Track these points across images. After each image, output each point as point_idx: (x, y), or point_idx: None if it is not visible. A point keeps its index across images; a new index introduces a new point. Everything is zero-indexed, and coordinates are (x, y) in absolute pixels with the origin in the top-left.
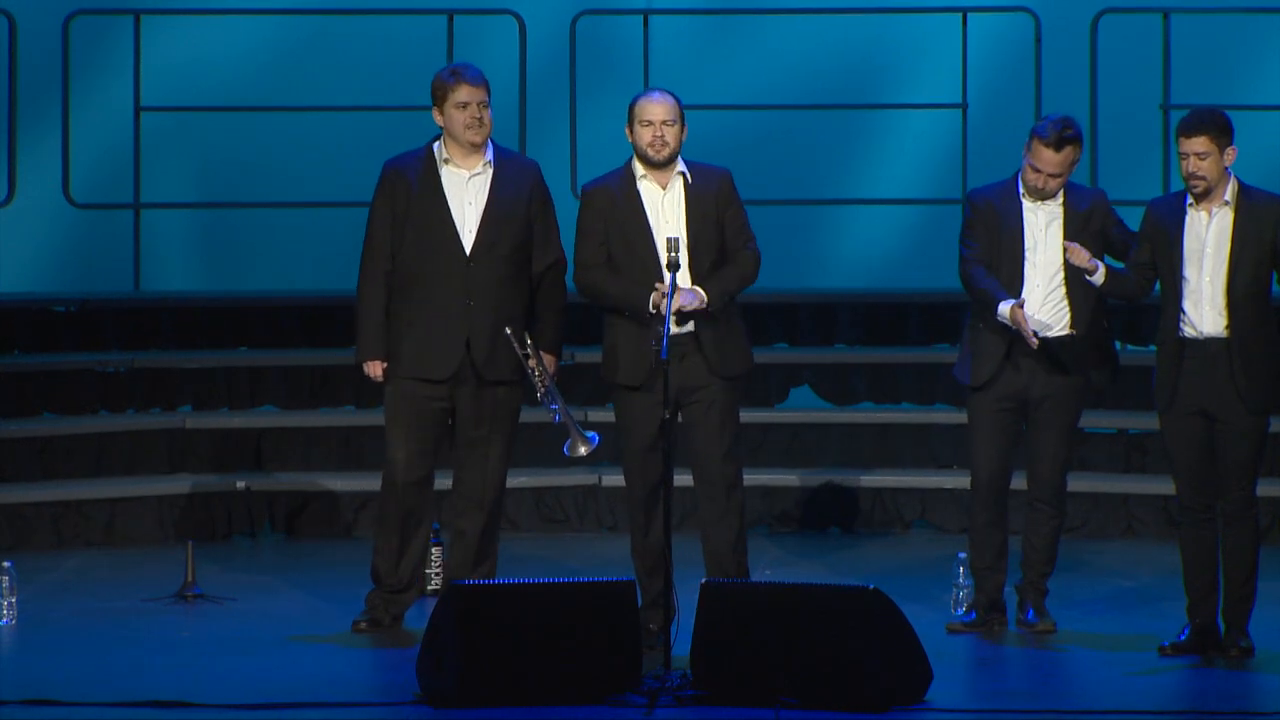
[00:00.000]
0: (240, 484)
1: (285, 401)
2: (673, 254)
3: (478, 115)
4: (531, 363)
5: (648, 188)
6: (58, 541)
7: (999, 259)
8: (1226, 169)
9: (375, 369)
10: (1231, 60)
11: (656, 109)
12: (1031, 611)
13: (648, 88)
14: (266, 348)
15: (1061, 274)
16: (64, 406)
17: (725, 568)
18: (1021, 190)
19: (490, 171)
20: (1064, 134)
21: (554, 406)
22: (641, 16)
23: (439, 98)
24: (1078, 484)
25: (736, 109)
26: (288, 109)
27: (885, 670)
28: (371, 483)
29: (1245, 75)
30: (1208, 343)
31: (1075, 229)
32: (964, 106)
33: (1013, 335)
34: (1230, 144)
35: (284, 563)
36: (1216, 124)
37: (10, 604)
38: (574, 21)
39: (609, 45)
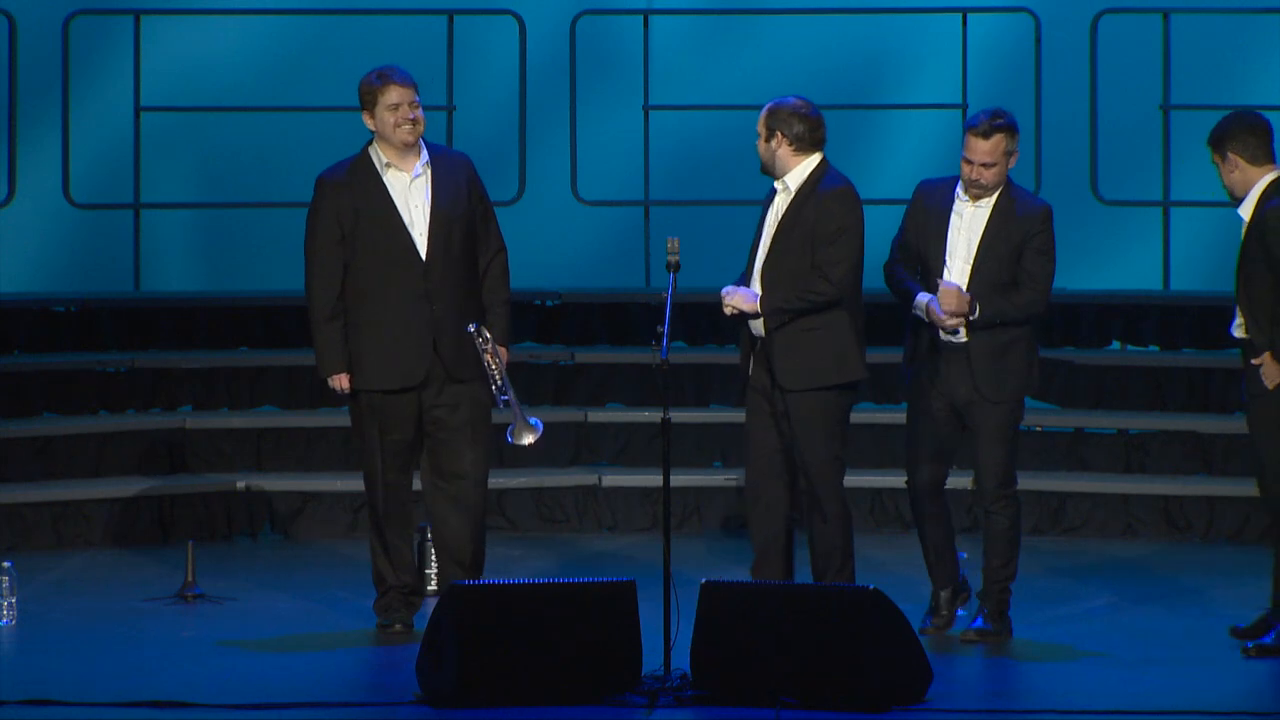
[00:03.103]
0: (240, 484)
1: (285, 401)
2: (672, 256)
3: (410, 115)
4: (488, 357)
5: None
6: (58, 541)
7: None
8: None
9: (342, 381)
10: (1231, 60)
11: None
12: (980, 619)
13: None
14: (266, 348)
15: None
16: (64, 406)
17: (819, 573)
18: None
19: (429, 172)
20: (994, 122)
21: (504, 398)
22: (641, 16)
23: (367, 101)
24: (1078, 484)
25: (736, 109)
26: (288, 109)
27: (885, 670)
28: None
29: (1245, 75)
30: None
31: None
32: (964, 107)
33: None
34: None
35: (284, 563)
36: None
37: (10, 604)
38: (574, 21)
39: (609, 45)
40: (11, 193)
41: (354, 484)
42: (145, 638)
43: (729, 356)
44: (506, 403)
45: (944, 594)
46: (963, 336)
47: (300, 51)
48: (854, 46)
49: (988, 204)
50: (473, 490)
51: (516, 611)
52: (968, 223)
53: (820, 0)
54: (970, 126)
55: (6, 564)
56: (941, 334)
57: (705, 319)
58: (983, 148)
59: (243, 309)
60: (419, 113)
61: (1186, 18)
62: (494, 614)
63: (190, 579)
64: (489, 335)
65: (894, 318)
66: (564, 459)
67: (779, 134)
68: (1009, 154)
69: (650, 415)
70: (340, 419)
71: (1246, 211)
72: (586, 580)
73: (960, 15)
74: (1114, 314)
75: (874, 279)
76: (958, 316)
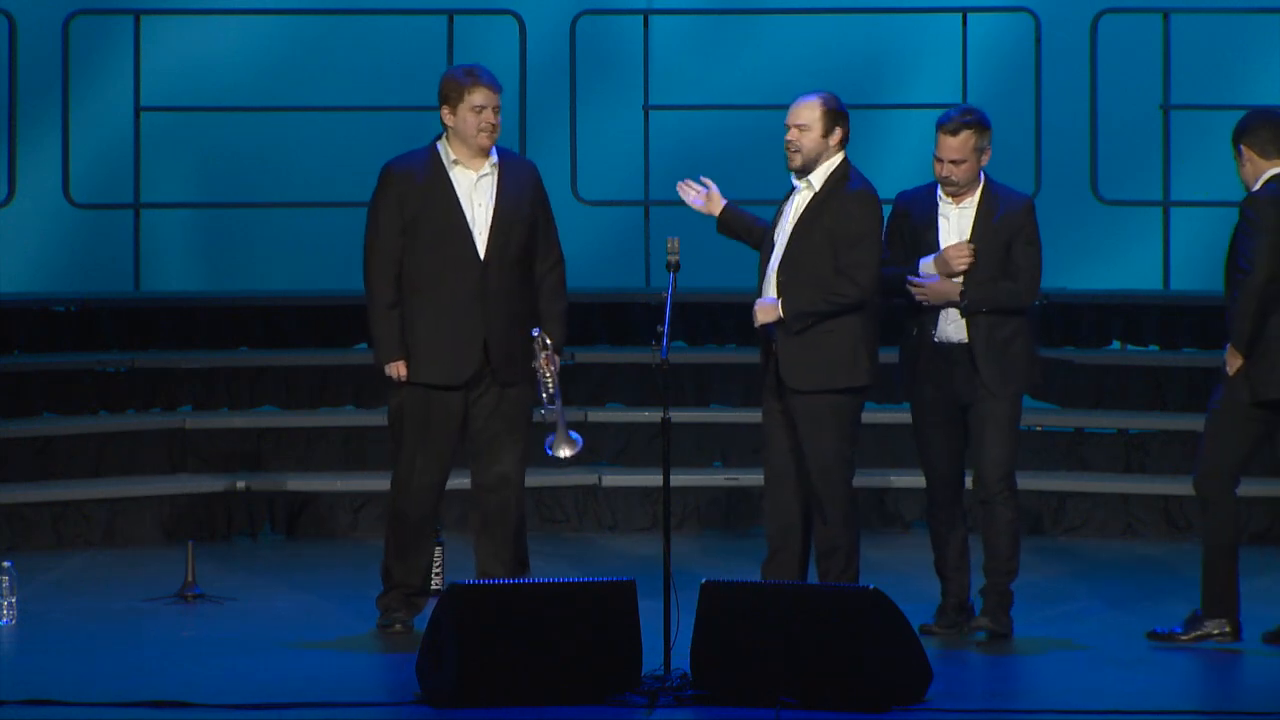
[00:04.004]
0: (240, 484)
1: (285, 401)
2: (672, 256)
3: (492, 120)
4: (544, 364)
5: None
6: (58, 541)
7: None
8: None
9: (400, 369)
10: (1231, 60)
11: (795, 111)
12: (983, 614)
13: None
14: (266, 348)
15: None
16: (64, 406)
17: (823, 573)
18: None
19: (496, 173)
20: (962, 119)
21: (552, 407)
22: (641, 16)
23: (453, 97)
24: (1078, 484)
25: (736, 109)
26: (288, 109)
27: (885, 670)
28: (371, 483)
29: (1245, 75)
30: None
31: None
32: None
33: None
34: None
35: (284, 563)
36: None
37: (10, 604)
38: (574, 21)
39: (609, 45)
40: (11, 193)
41: (354, 484)
42: (145, 638)
43: (729, 356)
44: (553, 412)
45: (952, 603)
46: (963, 336)
47: (300, 51)
48: (854, 46)
49: (971, 203)
50: (512, 491)
51: (516, 611)
52: (955, 224)
53: (820, 0)
54: (939, 124)
55: (6, 564)
56: (936, 336)
57: (705, 319)
58: (951, 144)
59: (243, 309)
60: (498, 119)
61: (1186, 18)
62: (494, 614)
63: (190, 579)
64: (550, 343)
65: (893, 318)
66: (564, 459)
67: (839, 130)
68: (979, 151)
69: (650, 415)
70: (340, 419)
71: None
72: (586, 580)
73: (960, 15)
74: (1114, 314)
75: None
76: (943, 284)
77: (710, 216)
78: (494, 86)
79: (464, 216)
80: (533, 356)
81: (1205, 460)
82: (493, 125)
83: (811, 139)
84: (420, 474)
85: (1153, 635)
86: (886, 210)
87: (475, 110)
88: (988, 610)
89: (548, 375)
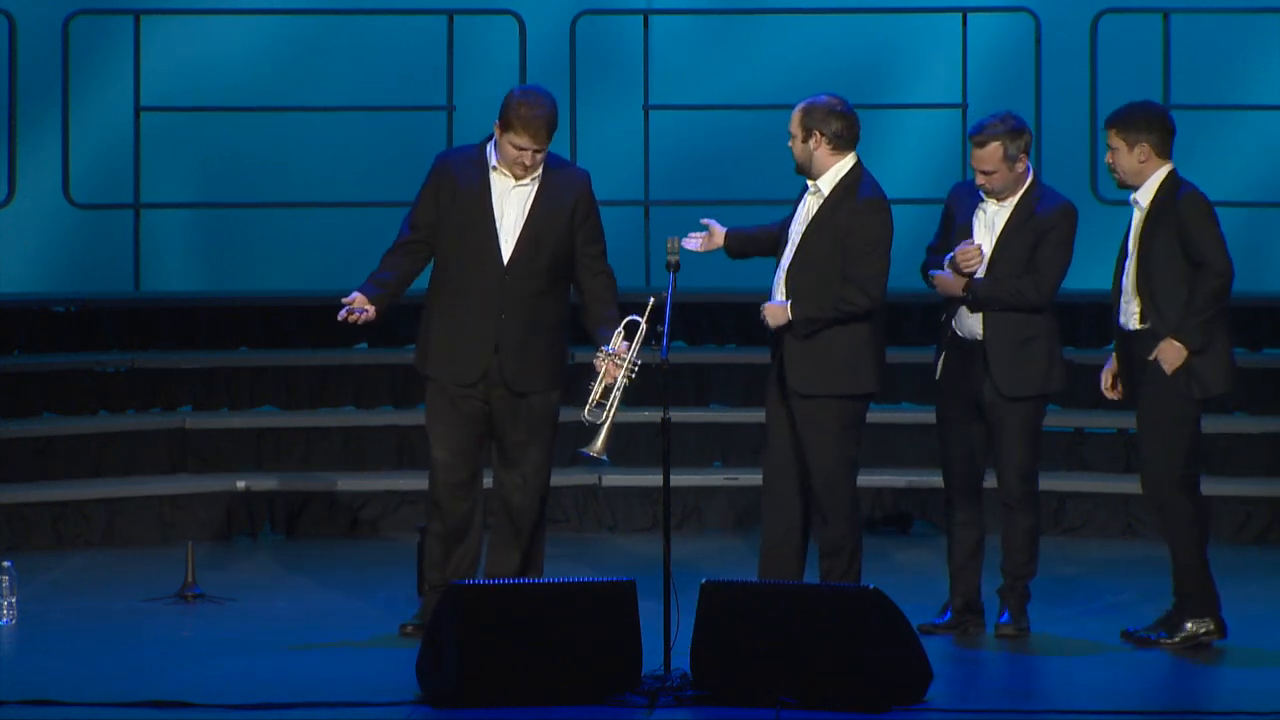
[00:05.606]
0: (240, 484)
1: (285, 401)
2: (672, 256)
3: (527, 163)
4: (607, 379)
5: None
6: (58, 541)
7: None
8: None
9: (359, 299)
10: (1231, 60)
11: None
12: (1007, 614)
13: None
14: (266, 348)
15: None
16: (64, 406)
17: (825, 573)
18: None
19: (536, 184)
20: (989, 130)
21: (598, 411)
22: (641, 16)
23: (503, 122)
24: (1078, 484)
25: (736, 109)
26: (288, 109)
27: (885, 670)
28: (371, 483)
29: (1245, 75)
30: None
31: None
32: (964, 106)
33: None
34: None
35: (284, 563)
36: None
37: (10, 604)
38: (574, 21)
39: (609, 45)
40: (11, 193)
41: (354, 484)
42: (145, 638)
43: (729, 356)
44: (604, 410)
45: (958, 602)
46: (980, 331)
47: (300, 51)
48: (855, 46)
49: (1010, 203)
50: (528, 495)
51: (516, 611)
52: (990, 220)
53: (821, 0)
54: (969, 134)
55: (6, 564)
56: (959, 330)
57: (705, 319)
58: (980, 156)
59: (243, 309)
60: (539, 159)
61: (1186, 18)
62: (494, 614)
63: (190, 579)
64: (615, 352)
65: (895, 318)
66: (564, 459)
67: (817, 134)
68: (1010, 159)
69: (650, 415)
70: (340, 419)
71: (1145, 199)
72: (586, 580)
73: (960, 15)
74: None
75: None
76: (960, 273)
77: (718, 250)
78: (539, 132)
79: (492, 219)
80: (555, 367)
81: (1156, 465)
82: (526, 167)
83: (796, 146)
84: (445, 470)
85: (1138, 640)
86: (896, 212)
87: (515, 148)
88: (1010, 610)
89: (598, 388)
